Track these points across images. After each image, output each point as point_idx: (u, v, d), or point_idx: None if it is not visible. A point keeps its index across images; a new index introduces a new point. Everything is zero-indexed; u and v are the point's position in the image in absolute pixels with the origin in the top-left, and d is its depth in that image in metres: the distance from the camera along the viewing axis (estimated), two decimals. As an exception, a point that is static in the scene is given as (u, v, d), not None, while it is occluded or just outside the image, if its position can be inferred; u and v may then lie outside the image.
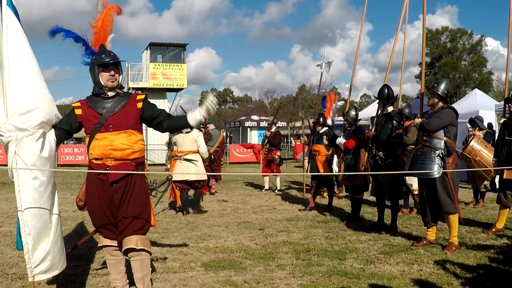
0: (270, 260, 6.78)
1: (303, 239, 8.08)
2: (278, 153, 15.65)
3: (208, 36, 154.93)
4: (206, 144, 14.07)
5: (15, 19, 4.51)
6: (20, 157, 4.42)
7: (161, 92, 35.54)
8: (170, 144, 24.80)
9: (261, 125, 43.68)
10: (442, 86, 7.35)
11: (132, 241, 4.80)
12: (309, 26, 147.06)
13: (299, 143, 35.97)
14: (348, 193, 10.36)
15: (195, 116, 4.93)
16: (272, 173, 15.32)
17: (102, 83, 4.78)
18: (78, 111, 4.84)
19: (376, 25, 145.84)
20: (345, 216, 10.17)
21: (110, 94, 4.83)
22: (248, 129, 48.66)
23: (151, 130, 24.80)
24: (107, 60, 4.76)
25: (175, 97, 38.42)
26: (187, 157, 10.69)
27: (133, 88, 34.65)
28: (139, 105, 4.86)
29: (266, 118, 45.72)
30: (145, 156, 5.21)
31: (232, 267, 6.40)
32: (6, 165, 4.49)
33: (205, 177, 11.41)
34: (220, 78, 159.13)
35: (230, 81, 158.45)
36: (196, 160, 10.73)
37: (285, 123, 48.92)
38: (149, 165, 23.08)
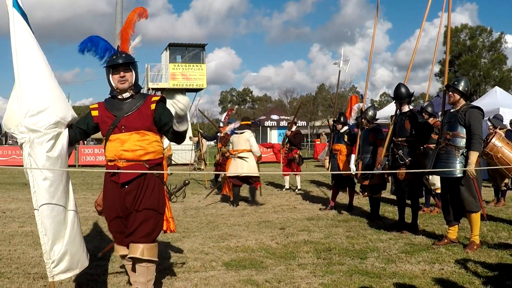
0: (291, 259, 6.79)
1: (324, 238, 8.08)
2: (299, 152, 15.61)
3: (227, 36, 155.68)
4: (227, 144, 14.23)
5: (22, 20, 4.52)
6: (33, 158, 4.45)
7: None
8: (198, 143, 24.99)
9: (280, 124, 43.67)
10: (462, 84, 7.34)
11: (138, 250, 4.68)
12: (328, 25, 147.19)
13: (318, 142, 35.88)
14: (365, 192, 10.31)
15: (175, 125, 4.65)
16: (292, 172, 15.31)
17: (114, 85, 4.76)
18: (95, 113, 4.84)
19: (395, 24, 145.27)
20: (365, 215, 10.15)
21: (125, 95, 4.77)
22: (268, 128, 48.58)
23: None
24: (116, 61, 4.72)
25: (194, 98, 38.50)
26: (240, 155, 12.03)
27: (152, 89, 34.84)
28: (153, 106, 4.74)
29: (286, 117, 45.70)
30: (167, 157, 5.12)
31: (253, 266, 6.42)
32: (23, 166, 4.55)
33: (257, 173, 12.17)
34: (239, 78, 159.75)
35: (250, 81, 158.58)
36: (248, 158, 11.99)
37: (305, 122, 48.79)
38: (172, 165, 23.15)
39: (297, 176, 15.93)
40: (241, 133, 12.30)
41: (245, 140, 12.12)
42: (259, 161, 12.47)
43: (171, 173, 5.42)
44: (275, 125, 44.64)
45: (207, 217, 10.39)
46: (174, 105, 4.49)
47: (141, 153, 4.68)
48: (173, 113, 4.57)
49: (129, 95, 4.80)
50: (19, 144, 4.53)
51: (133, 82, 4.80)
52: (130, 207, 4.71)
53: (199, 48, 36.54)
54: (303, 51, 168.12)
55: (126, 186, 4.69)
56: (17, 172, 20.71)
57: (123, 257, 5.01)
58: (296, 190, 15.54)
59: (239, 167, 11.93)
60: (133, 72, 4.81)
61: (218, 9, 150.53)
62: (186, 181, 5.38)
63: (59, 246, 4.63)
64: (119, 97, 4.79)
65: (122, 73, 4.73)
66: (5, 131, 36.00)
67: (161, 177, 4.87)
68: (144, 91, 35.41)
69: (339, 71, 13.86)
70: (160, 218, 4.89)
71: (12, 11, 4.46)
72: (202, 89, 36.24)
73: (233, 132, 13.16)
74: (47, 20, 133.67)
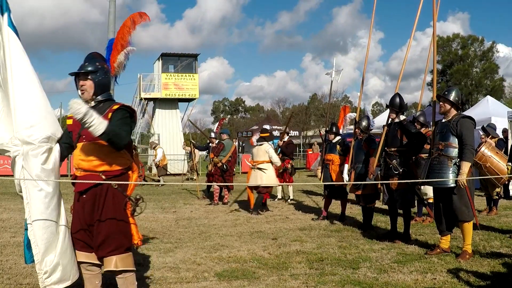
0: (283, 270, 6.77)
1: (316, 249, 8.08)
2: (291, 162, 15.55)
3: (220, 46, 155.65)
4: (219, 155, 14.25)
5: (15, 38, 4.60)
6: (27, 171, 4.47)
7: (173, 102, 35.68)
8: (191, 154, 24.99)
9: (274, 134, 43.68)
10: (453, 94, 7.39)
11: (111, 263, 4.61)
12: (321, 34, 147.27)
13: (311, 152, 35.85)
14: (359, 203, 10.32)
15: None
16: (285, 183, 15.27)
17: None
18: (69, 121, 4.77)
19: (387, 33, 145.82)
20: (358, 225, 10.16)
21: (91, 104, 4.66)
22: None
23: (165, 140, 24.63)
24: (78, 69, 4.66)
25: (187, 107, 38.63)
26: (259, 166, 12.48)
27: (145, 99, 34.88)
28: (109, 115, 4.56)
29: (279, 127, 45.59)
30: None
31: (245, 277, 6.40)
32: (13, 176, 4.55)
33: (272, 184, 12.75)
34: (232, 88, 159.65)
35: (242, 91, 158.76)
36: (266, 169, 12.47)
37: (297, 132, 48.81)
38: (165, 175, 23.09)
39: (289, 186, 15.85)
40: (260, 145, 12.81)
41: (264, 151, 12.57)
42: (280, 170, 13.15)
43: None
44: (268, 135, 44.55)
45: (200, 227, 10.37)
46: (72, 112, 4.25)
47: (96, 164, 4.59)
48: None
49: (94, 104, 4.69)
50: (12, 157, 4.52)
51: (92, 92, 4.67)
52: (88, 216, 4.63)
53: (192, 58, 36.59)
54: (295, 60, 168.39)
55: (84, 196, 4.65)
56: (8, 182, 20.60)
57: (81, 264, 4.87)
58: (289, 200, 15.54)
59: (258, 178, 12.38)
60: (93, 81, 4.66)
61: (211, 19, 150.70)
62: (137, 196, 5.14)
63: (51, 257, 4.63)
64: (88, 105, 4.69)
65: (81, 82, 4.67)
66: None
67: (123, 189, 4.73)
68: (136, 101, 35.69)
69: (331, 82, 13.91)
70: (127, 226, 4.74)
71: (7, 30, 4.54)
72: (194, 99, 36.26)
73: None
74: (40, 28, 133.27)
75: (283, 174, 15.29)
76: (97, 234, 4.62)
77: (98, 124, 4.22)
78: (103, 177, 4.60)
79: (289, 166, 15.27)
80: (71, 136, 4.78)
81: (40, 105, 4.65)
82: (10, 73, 4.51)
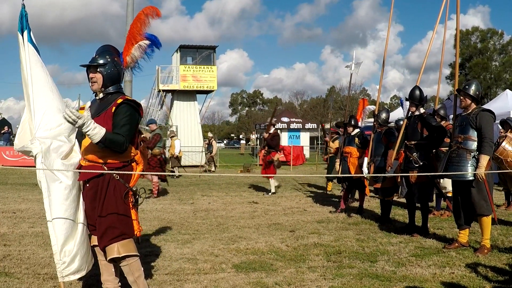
0: (301, 262, 6.78)
1: (334, 241, 8.07)
2: (277, 155, 15.26)
3: (239, 38, 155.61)
4: (156, 146, 13.93)
5: (34, 53, 4.91)
6: (46, 166, 4.60)
7: (191, 94, 35.67)
8: (209, 146, 25.06)
9: (291, 127, 43.50)
10: (473, 88, 7.32)
11: (113, 250, 4.70)
12: (341, 27, 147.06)
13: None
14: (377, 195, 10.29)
15: None
16: (273, 175, 14.99)
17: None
18: (81, 112, 4.95)
19: (407, 26, 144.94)
20: (376, 218, 10.13)
21: (100, 96, 4.84)
22: (278, 131, 48.35)
23: (183, 132, 24.65)
24: (89, 62, 4.81)
25: (205, 99, 38.61)
26: None
27: (163, 90, 34.90)
28: (113, 109, 4.70)
29: (296, 120, 45.59)
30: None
31: (263, 269, 6.42)
32: (35, 167, 4.68)
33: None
34: (250, 80, 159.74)
35: (261, 83, 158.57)
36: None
37: (315, 125, 48.63)
38: (182, 166, 23.19)
39: (271, 179, 15.50)
40: None
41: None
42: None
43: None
44: (286, 127, 44.42)
45: (217, 219, 10.41)
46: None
47: (100, 155, 4.69)
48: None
49: (102, 96, 4.85)
50: (34, 155, 4.63)
51: (101, 84, 4.81)
52: (90, 205, 4.78)
53: (210, 50, 36.52)
54: (315, 53, 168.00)
55: (87, 185, 4.77)
56: (27, 173, 20.78)
57: (95, 246, 4.97)
58: (270, 194, 15.20)
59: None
60: (102, 74, 4.80)
61: (231, 11, 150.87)
62: (135, 188, 5.19)
63: (70, 247, 4.73)
64: (97, 97, 4.89)
65: (91, 75, 4.81)
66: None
67: (125, 180, 4.80)
68: (154, 92, 35.79)
69: (351, 74, 13.84)
70: (128, 217, 4.82)
71: (27, 46, 4.85)
72: (212, 91, 36.21)
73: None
74: (60, 21, 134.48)
75: (269, 167, 15.05)
76: (99, 224, 4.73)
77: (93, 134, 4.43)
78: (105, 168, 4.71)
79: (275, 158, 15.06)
80: None
81: (57, 109, 4.89)
82: (31, 86, 4.79)
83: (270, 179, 15.51)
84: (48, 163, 4.61)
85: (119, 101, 4.73)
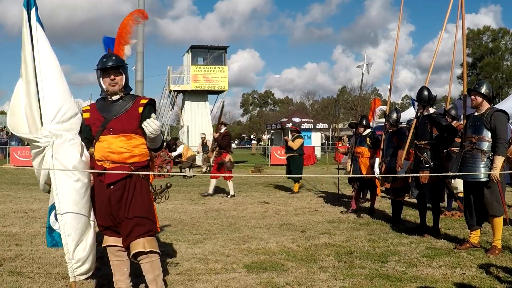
0: (312, 262, 6.79)
1: (345, 242, 8.07)
2: (229, 156, 14.52)
3: (250, 38, 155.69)
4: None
5: (42, 33, 4.78)
6: (59, 161, 4.61)
7: (202, 95, 35.71)
8: (205, 146, 25.04)
9: (302, 127, 43.47)
10: (484, 87, 7.31)
11: (139, 244, 4.80)
12: (352, 27, 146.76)
13: (340, 145, 35.73)
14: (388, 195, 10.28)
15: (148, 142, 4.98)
16: (225, 175, 14.26)
17: (104, 88, 4.88)
18: (86, 115, 4.96)
19: (418, 26, 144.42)
20: (387, 219, 10.12)
21: (115, 97, 4.89)
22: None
23: (194, 132, 24.67)
24: (106, 64, 4.83)
25: (216, 100, 38.65)
26: None
27: (174, 91, 34.98)
28: (140, 109, 4.84)
29: (307, 120, 45.49)
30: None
31: (274, 269, 6.44)
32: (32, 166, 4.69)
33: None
34: (261, 80, 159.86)
35: (272, 83, 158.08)
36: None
37: (326, 125, 48.52)
38: (198, 166, 23.18)
39: (228, 181, 14.67)
40: None
41: None
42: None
43: (170, 184, 5.13)
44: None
45: (228, 219, 10.43)
46: (145, 128, 4.73)
47: (127, 156, 4.80)
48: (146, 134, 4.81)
49: (118, 97, 4.92)
50: (41, 147, 4.63)
51: (123, 85, 4.91)
52: (116, 206, 4.81)
53: (221, 51, 36.56)
54: (326, 53, 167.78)
55: (112, 187, 4.80)
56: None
57: (109, 246, 5.06)
58: (229, 197, 14.37)
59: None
60: (123, 75, 4.93)
61: (242, 11, 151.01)
62: (168, 184, 5.40)
63: (82, 246, 4.76)
64: (110, 99, 4.92)
65: (112, 76, 4.86)
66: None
67: (147, 179, 4.99)
68: (166, 93, 35.86)
69: (362, 74, 13.82)
70: (153, 215, 5.02)
71: (35, 25, 4.72)
72: (224, 91, 36.25)
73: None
74: (70, 21, 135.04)
75: (220, 168, 14.44)
76: (126, 223, 4.80)
77: (160, 139, 4.97)
78: (132, 168, 4.81)
79: (226, 159, 14.41)
80: (88, 130, 4.94)
81: (68, 98, 4.85)
82: (39, 68, 4.68)
83: (227, 180, 14.71)
84: (63, 157, 4.61)
85: (144, 101, 4.91)
